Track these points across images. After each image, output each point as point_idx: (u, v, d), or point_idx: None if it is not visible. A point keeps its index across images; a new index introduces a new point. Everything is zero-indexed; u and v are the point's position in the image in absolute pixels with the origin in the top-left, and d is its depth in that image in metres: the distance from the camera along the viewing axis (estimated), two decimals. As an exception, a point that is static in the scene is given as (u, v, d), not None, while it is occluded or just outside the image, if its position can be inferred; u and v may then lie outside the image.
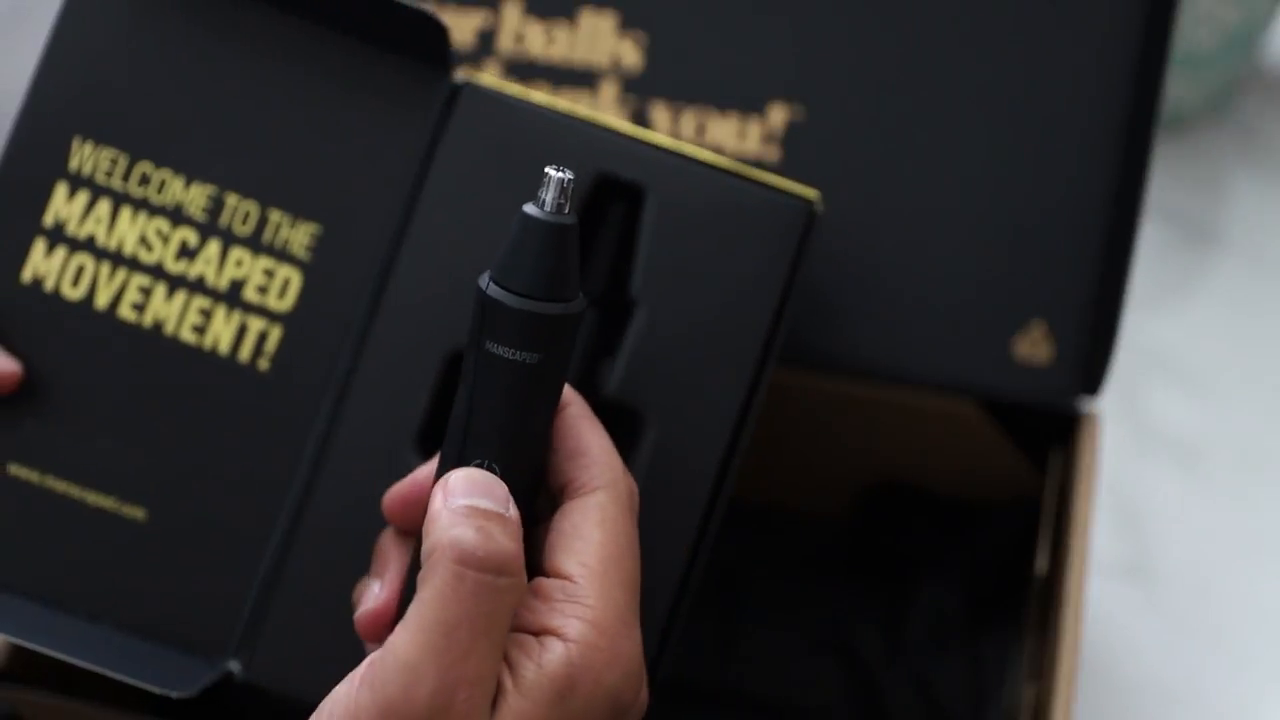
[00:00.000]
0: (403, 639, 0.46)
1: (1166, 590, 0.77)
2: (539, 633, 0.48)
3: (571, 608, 0.48)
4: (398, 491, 0.53)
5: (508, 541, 0.47)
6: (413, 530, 0.53)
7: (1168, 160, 0.89)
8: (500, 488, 0.48)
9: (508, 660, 0.47)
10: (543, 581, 0.49)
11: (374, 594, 0.52)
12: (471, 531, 0.47)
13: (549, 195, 0.48)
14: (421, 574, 0.47)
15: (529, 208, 0.49)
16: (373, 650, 0.49)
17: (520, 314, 0.48)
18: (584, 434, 0.51)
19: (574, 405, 0.51)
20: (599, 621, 0.48)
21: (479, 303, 0.49)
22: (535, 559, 0.50)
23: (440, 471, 0.50)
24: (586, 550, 0.49)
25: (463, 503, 0.47)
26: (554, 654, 0.47)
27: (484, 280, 0.49)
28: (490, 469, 0.49)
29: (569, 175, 0.48)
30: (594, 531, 0.49)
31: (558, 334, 0.49)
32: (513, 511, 0.48)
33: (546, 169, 0.48)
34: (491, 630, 0.46)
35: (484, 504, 0.48)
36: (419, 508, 0.52)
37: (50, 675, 0.59)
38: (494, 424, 0.49)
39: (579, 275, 0.49)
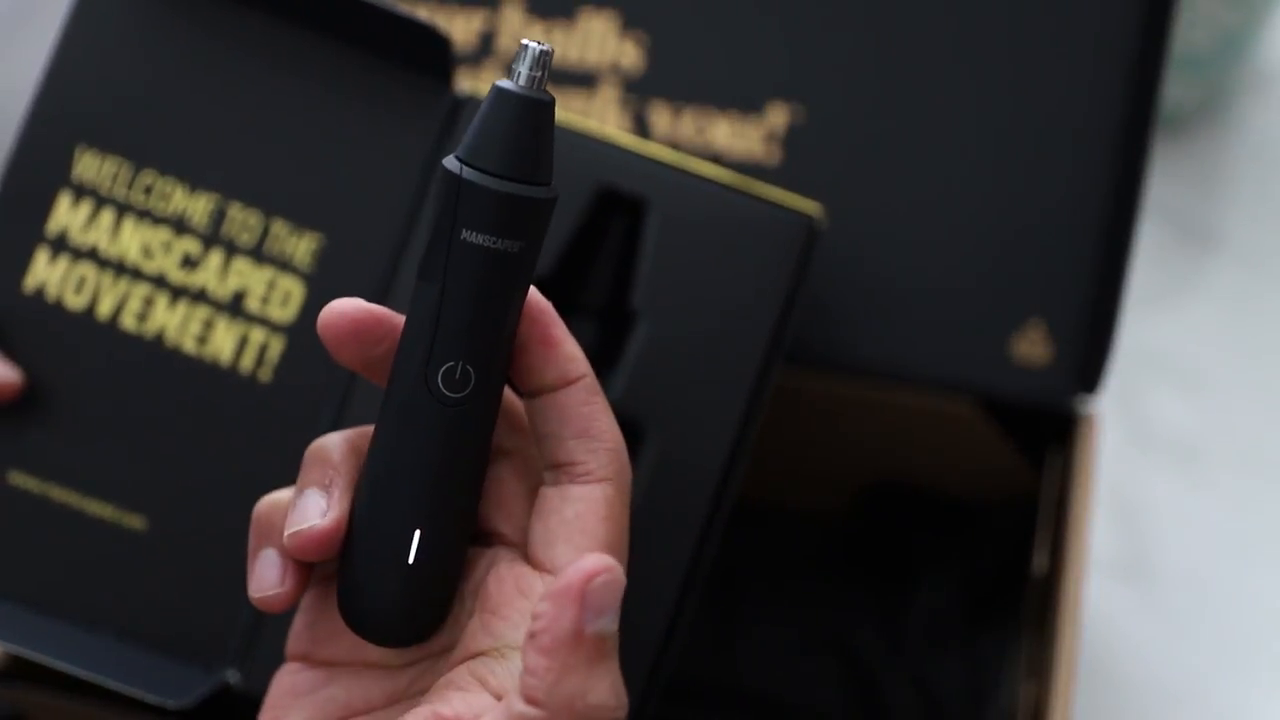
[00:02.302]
0: None
1: (1165, 589, 0.77)
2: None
3: None
4: (347, 310, 0.47)
5: (626, 694, 0.45)
6: (356, 361, 0.47)
7: (1165, 161, 0.89)
8: (621, 584, 0.44)
9: (503, 688, 0.46)
10: (536, 587, 0.47)
11: (319, 509, 0.47)
12: (613, 704, 0.43)
13: (523, 68, 0.44)
14: (522, 711, 0.44)
15: (504, 83, 0.44)
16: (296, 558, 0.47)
17: (505, 197, 0.44)
18: (595, 414, 0.48)
19: (588, 378, 0.48)
20: None
21: (451, 189, 0.44)
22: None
23: (395, 382, 0.46)
24: (590, 545, 0.47)
25: (599, 629, 0.43)
26: None
27: (453, 164, 0.45)
28: (465, 371, 0.45)
29: (547, 47, 0.44)
30: (599, 527, 0.47)
31: (540, 219, 0.45)
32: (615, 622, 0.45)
33: (523, 40, 0.45)
34: None
35: (611, 627, 0.44)
36: (373, 338, 0.47)
37: (54, 676, 0.59)
38: (472, 321, 0.45)
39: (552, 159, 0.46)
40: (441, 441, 0.46)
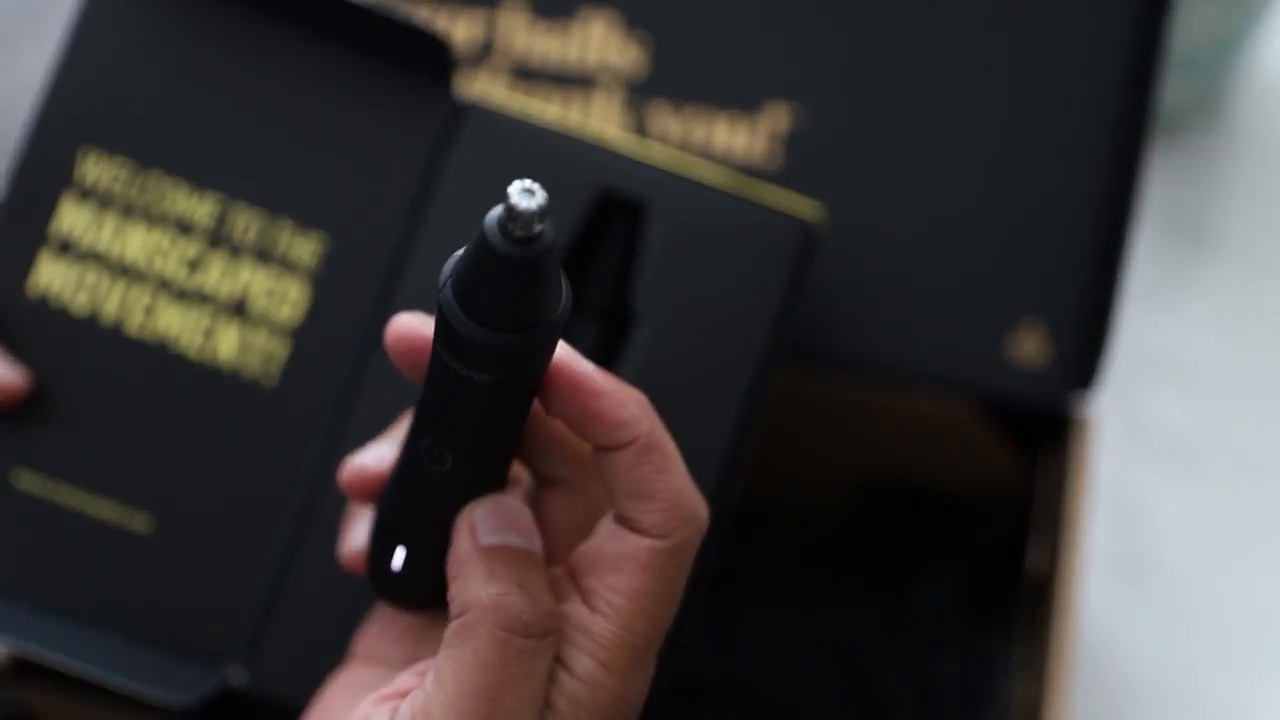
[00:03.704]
0: (441, 701, 0.44)
1: (1162, 588, 0.78)
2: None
3: (587, 643, 0.46)
4: (407, 328, 0.47)
5: (549, 598, 0.45)
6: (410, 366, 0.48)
7: (1162, 161, 0.89)
8: (525, 516, 0.46)
9: None
10: (565, 604, 0.47)
11: (377, 456, 0.50)
12: (516, 594, 0.44)
13: (511, 221, 0.41)
14: (455, 628, 0.45)
15: (490, 227, 0.41)
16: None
17: (467, 340, 0.43)
18: (647, 477, 0.46)
19: (639, 441, 0.46)
20: (612, 663, 0.46)
21: (437, 302, 0.43)
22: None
23: (410, 440, 0.47)
24: (621, 588, 0.46)
25: (493, 540, 0.45)
26: (558, 686, 0.46)
27: (444, 276, 0.43)
28: (441, 453, 0.46)
29: (536, 201, 0.41)
30: (637, 573, 0.46)
31: (514, 359, 0.43)
32: (536, 543, 0.46)
33: (516, 184, 0.41)
34: (535, 692, 0.45)
35: (514, 541, 0.46)
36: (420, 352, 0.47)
37: (60, 675, 0.59)
38: (444, 420, 0.45)
39: (551, 295, 0.43)
40: (422, 492, 0.48)
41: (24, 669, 0.60)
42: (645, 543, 0.46)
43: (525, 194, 0.41)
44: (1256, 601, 0.77)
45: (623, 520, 0.46)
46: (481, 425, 0.45)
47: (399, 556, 0.49)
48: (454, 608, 0.45)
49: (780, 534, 0.74)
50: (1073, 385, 0.65)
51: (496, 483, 0.48)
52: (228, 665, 0.55)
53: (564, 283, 0.44)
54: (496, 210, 0.42)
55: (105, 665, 0.54)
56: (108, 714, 0.58)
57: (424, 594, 0.50)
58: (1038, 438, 0.68)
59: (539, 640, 0.45)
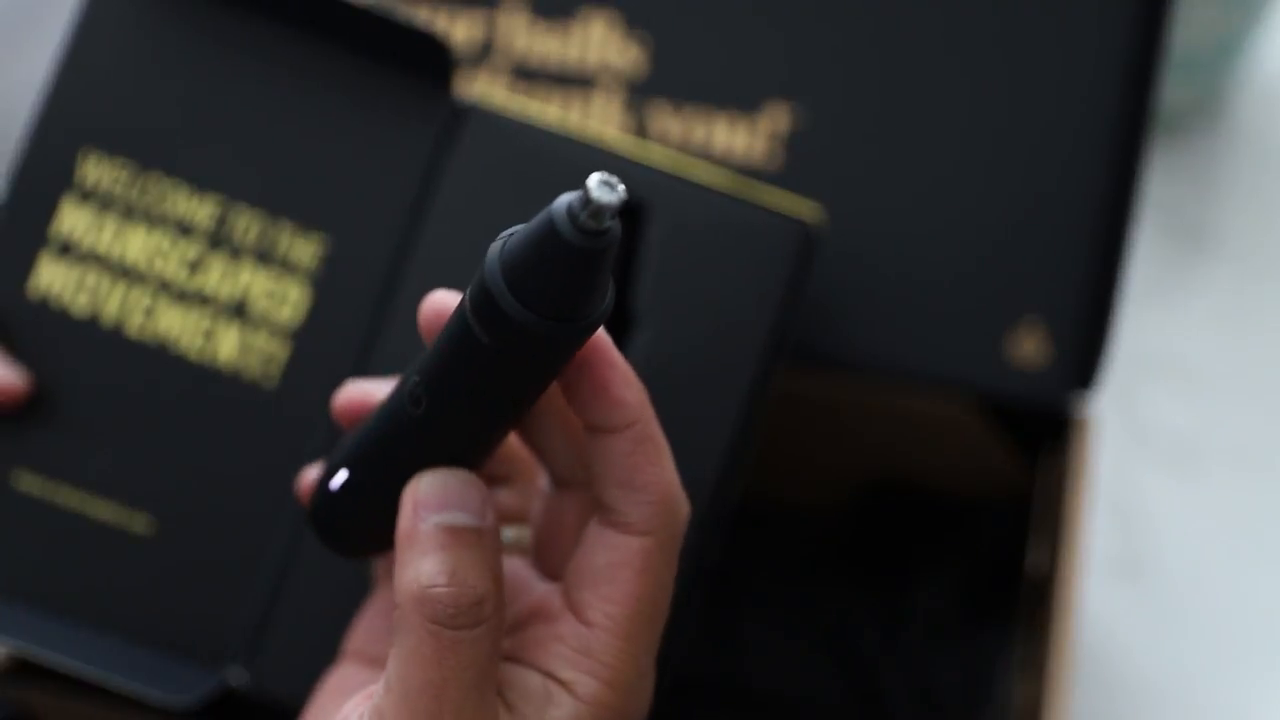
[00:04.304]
0: (391, 703, 0.43)
1: (1161, 588, 0.78)
2: (548, 674, 0.45)
3: (588, 663, 0.45)
4: (443, 304, 0.46)
5: (486, 583, 0.43)
6: None
7: (1162, 162, 0.89)
8: (473, 493, 0.44)
9: (509, 704, 0.45)
10: (560, 623, 0.46)
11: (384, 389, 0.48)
12: (444, 584, 0.43)
13: (585, 212, 0.40)
14: (395, 618, 0.44)
15: (560, 213, 0.40)
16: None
17: (504, 315, 0.42)
18: (640, 465, 0.45)
19: (638, 426, 0.45)
20: (616, 681, 0.45)
21: (480, 267, 0.42)
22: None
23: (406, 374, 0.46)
24: (617, 597, 0.45)
25: (435, 521, 0.44)
26: (563, 711, 0.45)
27: (494, 251, 0.42)
28: (418, 395, 0.44)
29: (616, 195, 0.40)
30: (631, 579, 0.45)
31: (538, 347, 0.42)
32: (489, 519, 0.44)
33: (590, 179, 0.40)
34: (480, 681, 0.43)
35: (459, 519, 0.44)
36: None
37: (60, 675, 0.59)
38: (435, 371, 0.44)
39: (598, 292, 0.42)
40: (387, 427, 0.46)
41: (24, 669, 0.60)
42: (635, 543, 0.45)
43: (605, 187, 0.40)
44: (1256, 601, 0.77)
45: (609, 519, 0.45)
46: (472, 390, 0.44)
47: (339, 478, 0.47)
48: (395, 594, 0.44)
49: (780, 534, 0.74)
50: (1072, 385, 0.65)
51: (465, 456, 0.46)
52: (228, 666, 0.56)
53: (610, 285, 0.43)
54: (569, 197, 0.40)
55: (105, 666, 0.54)
56: (108, 714, 0.58)
57: (351, 537, 0.49)
58: (1037, 438, 0.68)
59: (470, 630, 0.43)
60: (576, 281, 0.41)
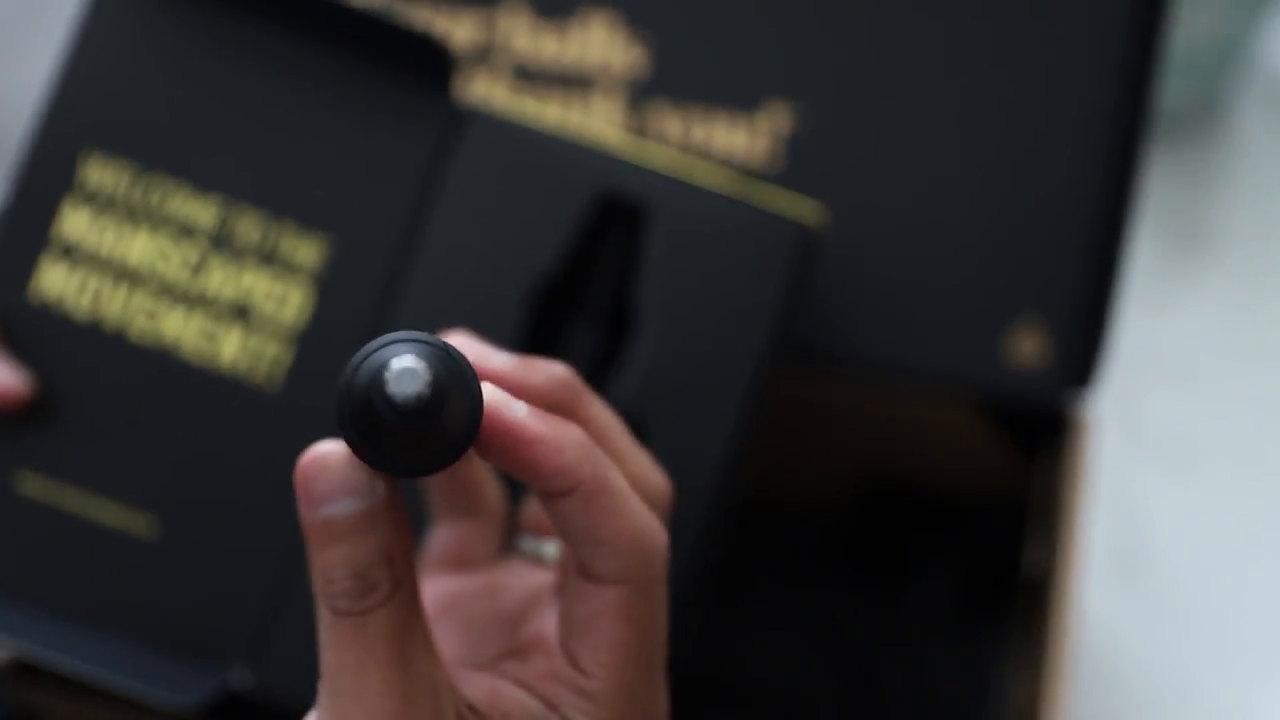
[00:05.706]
0: (323, 689, 0.44)
1: (1160, 588, 0.78)
2: (554, 708, 0.45)
3: (586, 705, 0.45)
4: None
5: (376, 561, 0.43)
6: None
7: (1161, 163, 0.89)
8: (355, 474, 0.43)
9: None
10: (559, 666, 0.46)
11: None
12: (339, 574, 0.43)
13: (391, 400, 0.39)
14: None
15: (376, 396, 0.39)
16: None
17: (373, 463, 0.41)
18: (596, 523, 0.44)
19: (583, 487, 0.44)
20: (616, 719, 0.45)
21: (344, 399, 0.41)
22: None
23: None
24: (603, 646, 0.45)
25: (324, 514, 0.43)
26: None
27: (342, 389, 0.40)
28: None
29: (417, 387, 0.39)
30: (613, 628, 0.45)
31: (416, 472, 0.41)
32: (379, 491, 0.43)
33: (390, 368, 0.39)
34: (401, 651, 0.43)
35: (346, 507, 0.43)
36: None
37: (63, 677, 0.59)
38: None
39: (449, 433, 0.40)
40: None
41: (27, 670, 0.60)
42: (612, 593, 0.44)
43: (405, 377, 0.39)
44: (1255, 601, 0.77)
45: (584, 570, 0.45)
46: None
47: None
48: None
49: (780, 534, 0.74)
50: (1071, 385, 0.65)
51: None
52: (231, 667, 0.56)
53: (468, 398, 0.41)
54: (370, 374, 0.40)
55: (109, 667, 0.54)
56: (111, 715, 0.58)
57: None
58: (1036, 437, 0.68)
59: (363, 617, 0.43)
60: (411, 445, 0.40)
